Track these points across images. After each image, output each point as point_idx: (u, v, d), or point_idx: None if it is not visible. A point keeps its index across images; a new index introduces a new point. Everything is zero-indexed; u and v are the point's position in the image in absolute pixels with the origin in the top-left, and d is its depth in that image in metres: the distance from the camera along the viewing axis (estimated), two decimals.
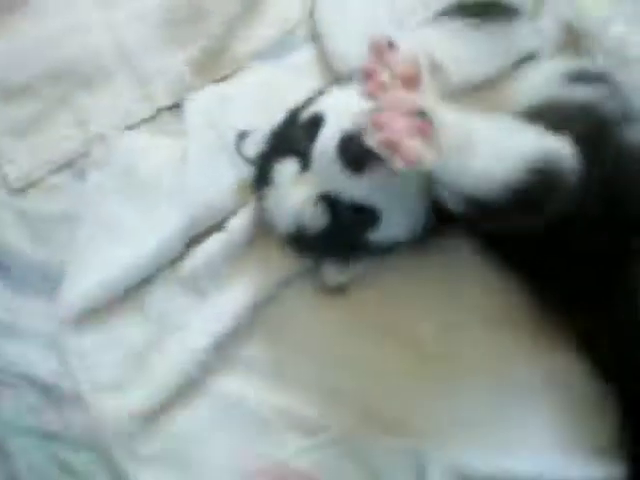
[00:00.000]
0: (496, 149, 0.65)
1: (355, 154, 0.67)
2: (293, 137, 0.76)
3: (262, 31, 0.92)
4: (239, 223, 0.84)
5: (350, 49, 0.86)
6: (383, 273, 0.85)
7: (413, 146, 0.60)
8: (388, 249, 0.80)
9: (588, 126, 0.72)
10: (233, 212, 0.85)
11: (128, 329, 0.85)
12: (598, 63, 0.80)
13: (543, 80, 0.75)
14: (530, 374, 0.81)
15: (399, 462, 0.79)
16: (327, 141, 0.71)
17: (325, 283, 0.84)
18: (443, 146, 0.61)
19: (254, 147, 0.82)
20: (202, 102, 0.89)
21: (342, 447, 0.81)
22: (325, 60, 0.90)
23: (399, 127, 0.60)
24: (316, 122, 0.73)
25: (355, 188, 0.71)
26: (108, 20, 0.93)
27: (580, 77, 0.75)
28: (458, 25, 0.73)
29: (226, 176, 0.85)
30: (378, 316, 0.84)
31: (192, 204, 0.83)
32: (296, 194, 0.74)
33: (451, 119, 0.63)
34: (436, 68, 0.68)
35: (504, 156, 0.65)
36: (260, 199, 0.80)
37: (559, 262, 0.75)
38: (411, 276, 0.84)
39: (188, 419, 0.83)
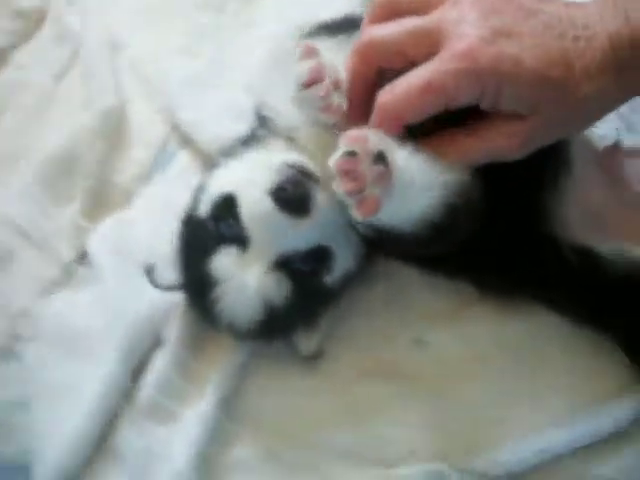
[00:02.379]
0: (422, 185, 0.65)
1: (295, 198, 0.68)
2: (209, 231, 0.74)
3: (135, 156, 0.95)
4: (176, 330, 0.82)
5: (215, 132, 0.89)
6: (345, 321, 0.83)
7: (376, 196, 0.61)
8: (343, 286, 0.79)
9: None
10: (165, 326, 0.82)
11: None
12: None
13: None
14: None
15: None
16: (258, 206, 0.70)
17: (302, 354, 0.81)
18: (394, 191, 0.62)
19: (166, 274, 0.80)
20: (105, 230, 0.90)
21: None
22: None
23: (364, 175, 0.60)
24: (229, 201, 0.73)
25: (304, 234, 0.71)
26: None
27: None
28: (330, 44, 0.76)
29: (147, 292, 0.82)
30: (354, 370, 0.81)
31: (123, 330, 0.81)
32: (251, 275, 0.71)
33: (400, 160, 0.63)
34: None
35: (428, 191, 0.66)
36: (206, 311, 0.76)
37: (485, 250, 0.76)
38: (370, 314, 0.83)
39: None
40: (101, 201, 0.93)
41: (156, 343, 0.83)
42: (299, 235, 0.71)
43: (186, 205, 0.79)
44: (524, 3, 0.63)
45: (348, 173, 0.60)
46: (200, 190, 0.78)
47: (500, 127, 0.63)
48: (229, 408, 0.81)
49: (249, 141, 0.80)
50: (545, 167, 0.74)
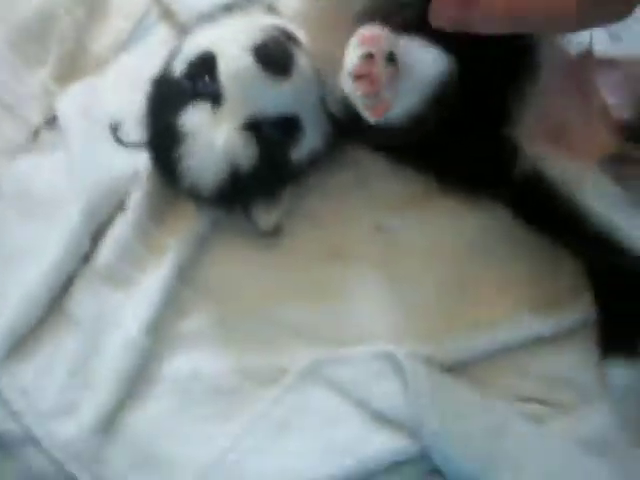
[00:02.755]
0: (422, 81, 0.64)
1: (277, 57, 0.66)
2: (182, 88, 0.73)
3: (114, 25, 0.92)
4: (139, 197, 0.81)
5: (195, 4, 0.86)
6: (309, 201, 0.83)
7: (388, 99, 0.59)
8: (309, 165, 0.78)
9: None
10: (128, 193, 0.82)
11: (63, 346, 0.79)
12: None
13: None
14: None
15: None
16: (238, 62, 0.68)
17: (261, 228, 0.80)
18: (400, 90, 0.60)
19: (132, 131, 0.79)
20: (75, 93, 0.87)
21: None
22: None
23: (379, 77, 0.58)
24: (207, 59, 0.71)
25: (279, 98, 0.70)
26: None
27: None
28: None
29: (112, 158, 0.82)
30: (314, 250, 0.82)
31: (86, 193, 0.80)
32: (220, 133, 0.70)
33: (407, 58, 0.61)
34: None
35: (426, 87, 0.65)
36: (169, 168, 0.75)
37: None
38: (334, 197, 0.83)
39: (149, 414, 0.77)
40: (74, 67, 0.91)
41: (118, 209, 0.82)
42: (274, 96, 0.70)
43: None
44: None
45: (365, 75, 0.58)
46: (175, 51, 0.77)
47: None
48: (187, 277, 0.82)
49: (230, 8, 0.78)
50: (511, 71, 0.73)
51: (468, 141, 0.74)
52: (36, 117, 0.89)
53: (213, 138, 0.71)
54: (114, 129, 0.79)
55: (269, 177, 0.75)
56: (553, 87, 0.74)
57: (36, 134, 0.90)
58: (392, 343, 0.75)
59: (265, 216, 0.80)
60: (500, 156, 0.74)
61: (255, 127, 0.71)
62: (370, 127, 0.64)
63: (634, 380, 0.72)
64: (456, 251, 0.79)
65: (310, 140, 0.75)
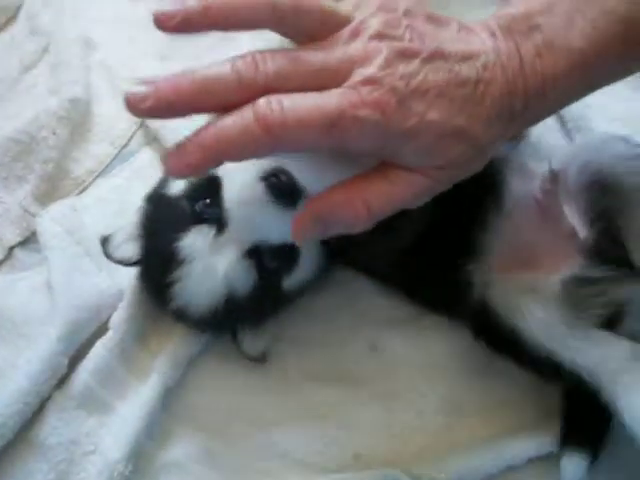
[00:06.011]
0: None
1: (286, 187, 0.66)
2: (183, 205, 0.72)
3: (99, 148, 0.93)
4: (123, 317, 0.78)
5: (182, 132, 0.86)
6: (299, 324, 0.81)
7: None
8: (298, 294, 0.78)
9: None
10: (110, 313, 0.78)
11: (31, 475, 0.71)
12: None
13: None
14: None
15: None
16: (248, 189, 0.68)
17: (246, 354, 0.78)
18: None
19: (122, 247, 0.77)
20: (56, 212, 0.85)
21: None
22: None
23: None
24: (212, 183, 0.71)
25: (283, 227, 0.67)
26: None
27: None
28: None
29: (95, 277, 0.80)
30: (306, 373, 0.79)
31: (66, 313, 0.76)
32: (223, 259, 0.69)
33: None
34: None
35: None
36: (161, 290, 0.73)
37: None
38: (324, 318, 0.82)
39: None
40: (55, 188, 0.90)
41: (100, 332, 0.78)
42: (280, 225, 0.69)
43: (155, 183, 0.78)
44: (425, 33, 0.56)
45: None
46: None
47: (401, 175, 0.57)
48: (170, 404, 0.77)
49: None
50: (478, 204, 0.75)
51: (431, 266, 0.76)
52: (10, 235, 0.87)
53: (214, 264, 0.69)
54: (104, 243, 0.77)
55: (261, 304, 0.74)
56: (518, 214, 0.76)
57: (10, 254, 0.86)
58: (391, 465, 0.71)
59: (252, 342, 0.78)
60: (458, 284, 0.75)
61: (256, 254, 0.70)
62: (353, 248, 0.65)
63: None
64: (451, 368, 0.78)
65: (304, 269, 0.75)
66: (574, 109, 0.89)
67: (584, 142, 0.83)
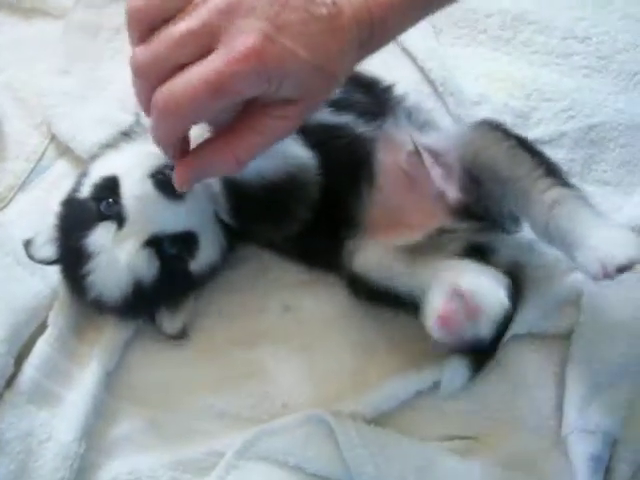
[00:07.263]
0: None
1: (172, 182, 0.70)
2: (89, 209, 0.79)
3: (12, 166, 0.98)
4: (59, 313, 0.85)
5: (91, 141, 0.95)
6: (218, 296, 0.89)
7: None
8: (209, 275, 0.86)
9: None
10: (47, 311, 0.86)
11: None
12: None
13: None
14: None
15: None
16: (139, 186, 0.77)
17: (166, 333, 0.86)
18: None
19: (43, 249, 0.84)
20: None
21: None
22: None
23: None
24: (111, 183, 0.79)
25: (175, 217, 0.78)
26: None
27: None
28: None
29: (28, 281, 0.86)
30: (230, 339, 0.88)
31: (6, 317, 0.83)
32: (124, 250, 0.77)
33: None
34: None
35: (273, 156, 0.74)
36: (78, 283, 0.80)
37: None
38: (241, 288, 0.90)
39: None
40: None
41: (40, 330, 0.85)
42: (172, 216, 0.78)
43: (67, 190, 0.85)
44: None
45: None
46: (82, 175, 0.84)
47: (273, 112, 0.64)
48: (113, 385, 0.85)
49: (128, 134, 0.88)
50: (352, 180, 0.84)
51: (319, 241, 0.85)
52: None
53: (117, 255, 0.77)
54: (26, 246, 0.84)
55: (170, 288, 0.82)
56: (388, 184, 0.85)
57: None
58: (316, 408, 0.81)
59: (169, 322, 0.86)
60: (337, 252, 0.85)
61: (156, 244, 0.78)
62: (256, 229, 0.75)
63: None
64: (358, 316, 0.87)
65: (207, 251, 0.84)
66: (444, 73, 0.99)
67: (462, 128, 0.91)
